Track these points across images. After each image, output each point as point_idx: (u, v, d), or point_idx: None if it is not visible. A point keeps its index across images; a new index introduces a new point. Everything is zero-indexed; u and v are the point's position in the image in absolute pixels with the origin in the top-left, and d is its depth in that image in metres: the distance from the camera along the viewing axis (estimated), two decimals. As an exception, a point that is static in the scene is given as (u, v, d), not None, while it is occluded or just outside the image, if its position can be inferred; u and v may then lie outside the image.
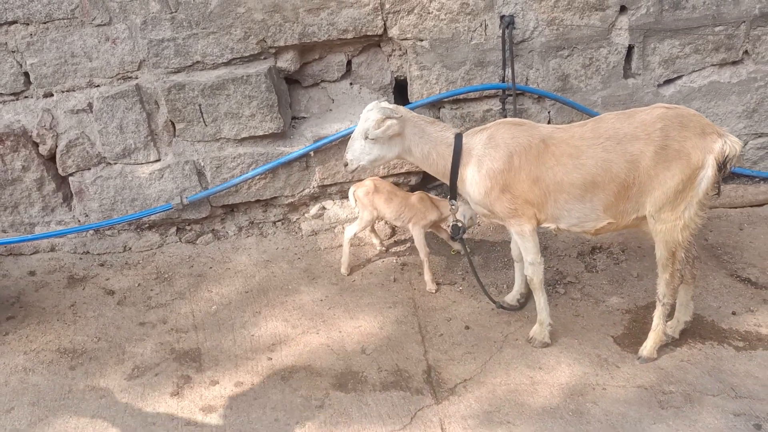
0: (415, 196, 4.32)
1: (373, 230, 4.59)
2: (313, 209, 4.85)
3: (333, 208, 4.87)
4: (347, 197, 4.56)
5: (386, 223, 4.65)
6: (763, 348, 3.59)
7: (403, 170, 4.76)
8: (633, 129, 3.25)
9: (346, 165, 3.70)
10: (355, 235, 4.38)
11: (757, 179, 4.97)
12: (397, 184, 4.83)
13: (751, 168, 4.97)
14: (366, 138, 3.54)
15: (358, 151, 3.62)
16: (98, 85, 4.48)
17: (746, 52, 4.63)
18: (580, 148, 3.31)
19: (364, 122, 3.55)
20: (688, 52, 4.57)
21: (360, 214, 4.36)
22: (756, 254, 4.35)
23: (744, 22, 4.51)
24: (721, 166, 3.19)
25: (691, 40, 4.53)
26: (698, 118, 3.24)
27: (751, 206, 4.83)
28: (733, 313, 3.86)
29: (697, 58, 4.60)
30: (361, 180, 4.54)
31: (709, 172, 3.20)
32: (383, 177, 4.74)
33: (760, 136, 4.87)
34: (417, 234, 4.28)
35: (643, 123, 3.24)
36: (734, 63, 4.67)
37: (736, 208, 4.82)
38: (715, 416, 3.18)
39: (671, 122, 3.21)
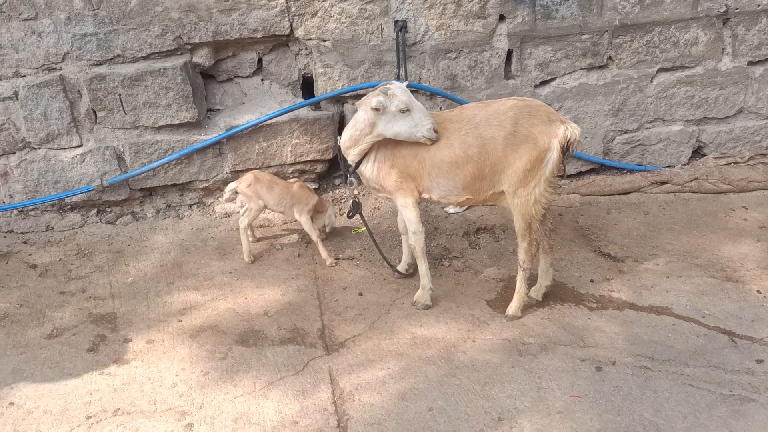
0: (296, 185, 4.72)
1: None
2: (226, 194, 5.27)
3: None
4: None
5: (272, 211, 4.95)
6: (613, 308, 4.14)
7: (309, 158, 5.23)
8: (487, 116, 3.76)
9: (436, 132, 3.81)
10: (248, 225, 4.72)
11: (624, 171, 5.64)
12: (303, 172, 5.31)
13: (619, 161, 5.64)
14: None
15: None
16: (24, 75, 4.80)
17: (610, 57, 5.29)
18: (449, 129, 3.84)
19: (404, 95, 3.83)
20: (560, 57, 5.21)
21: (247, 205, 4.70)
22: (618, 234, 4.95)
23: (607, 31, 5.18)
24: (565, 149, 3.72)
25: (562, 46, 5.17)
26: (545, 108, 3.80)
27: (618, 194, 5.44)
28: (592, 281, 4.41)
29: (567, 62, 5.23)
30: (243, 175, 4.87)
31: (554, 155, 3.71)
32: (290, 164, 5.22)
33: (625, 132, 5.54)
34: (304, 220, 4.69)
35: (497, 112, 3.76)
36: (600, 67, 5.31)
37: (605, 195, 5.44)
38: (564, 361, 3.70)
39: (521, 111, 3.72)
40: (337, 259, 4.74)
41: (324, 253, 4.67)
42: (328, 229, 4.89)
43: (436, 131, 3.79)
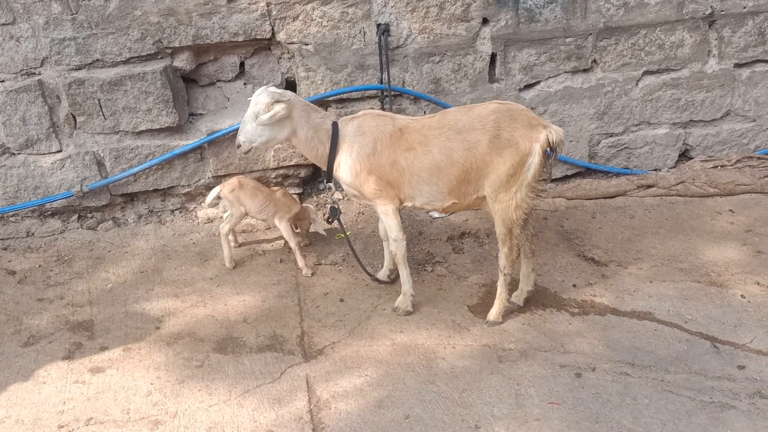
0: (279, 192, 4.70)
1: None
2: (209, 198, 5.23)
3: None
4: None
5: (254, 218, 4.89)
6: (595, 313, 4.12)
7: (292, 162, 5.18)
8: (471, 121, 3.73)
9: (238, 147, 3.94)
10: (229, 230, 4.68)
11: (610, 174, 5.61)
12: (287, 177, 5.27)
13: (605, 164, 5.61)
14: (256, 121, 3.83)
15: (249, 133, 3.88)
16: (2, 80, 4.75)
17: (595, 61, 5.26)
18: (428, 136, 3.80)
19: (255, 106, 3.82)
20: (544, 60, 5.17)
21: (229, 210, 4.67)
22: (602, 238, 4.92)
23: (591, 34, 5.14)
24: (549, 153, 3.68)
25: (546, 49, 5.13)
26: (526, 112, 3.77)
27: (604, 198, 5.41)
28: (574, 286, 4.39)
29: (552, 65, 5.20)
30: (228, 179, 4.85)
31: (536, 159, 3.67)
32: (273, 169, 5.18)
33: (611, 136, 5.51)
34: (284, 227, 4.64)
35: (480, 116, 3.74)
36: (585, 71, 5.27)
37: (591, 199, 5.41)
38: (543, 367, 3.67)
39: (503, 115, 3.70)
40: (320, 264, 4.70)
41: (301, 262, 4.62)
42: (312, 230, 4.85)
43: (238, 146, 3.97)
